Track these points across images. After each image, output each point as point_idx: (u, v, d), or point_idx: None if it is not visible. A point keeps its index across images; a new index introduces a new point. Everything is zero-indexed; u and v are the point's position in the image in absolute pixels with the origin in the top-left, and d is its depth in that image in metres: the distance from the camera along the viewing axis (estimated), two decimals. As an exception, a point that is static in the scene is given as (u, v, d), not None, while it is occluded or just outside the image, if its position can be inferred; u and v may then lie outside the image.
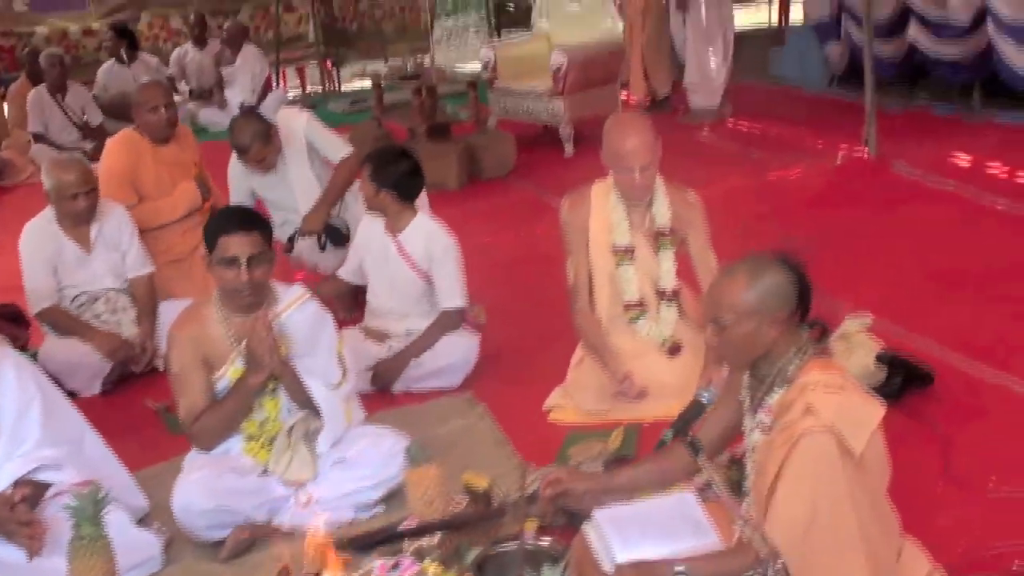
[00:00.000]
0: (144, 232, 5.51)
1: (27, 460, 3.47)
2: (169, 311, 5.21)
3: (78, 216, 5.14)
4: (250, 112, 5.79)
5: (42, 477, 3.47)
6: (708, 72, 9.34)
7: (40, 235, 5.18)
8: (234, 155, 5.69)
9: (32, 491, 3.39)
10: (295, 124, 5.77)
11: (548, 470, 3.67)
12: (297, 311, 3.87)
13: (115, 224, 5.30)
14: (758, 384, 2.95)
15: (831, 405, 2.70)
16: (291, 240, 5.77)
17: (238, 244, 3.64)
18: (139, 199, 5.66)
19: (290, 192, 5.76)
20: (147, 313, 5.35)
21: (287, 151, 5.72)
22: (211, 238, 3.69)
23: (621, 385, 4.30)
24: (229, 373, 3.78)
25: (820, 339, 2.95)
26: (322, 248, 5.72)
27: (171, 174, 5.81)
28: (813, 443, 2.70)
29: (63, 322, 5.18)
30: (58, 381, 4.65)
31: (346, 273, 5.15)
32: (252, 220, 3.77)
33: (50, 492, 3.48)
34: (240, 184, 5.80)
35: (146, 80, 5.94)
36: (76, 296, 5.25)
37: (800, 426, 2.71)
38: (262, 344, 3.64)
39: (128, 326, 5.28)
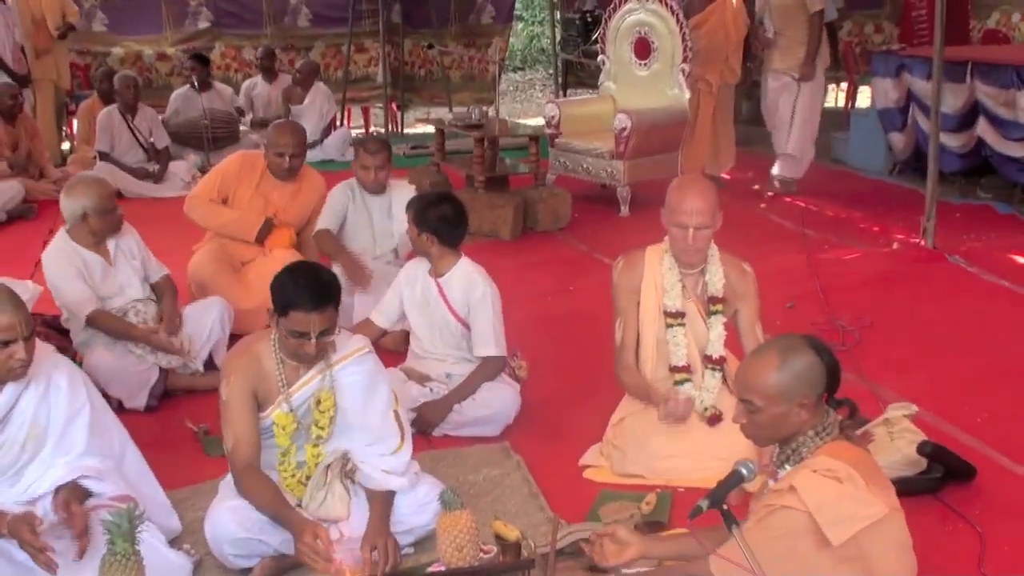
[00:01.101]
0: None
1: (72, 468, 3.53)
2: (196, 312, 5.56)
3: (112, 228, 5.27)
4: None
5: (84, 483, 3.53)
6: (808, 144, 9.42)
7: (63, 255, 5.22)
8: (338, 186, 6.24)
9: (67, 495, 3.43)
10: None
11: (581, 526, 3.68)
12: (354, 363, 3.84)
13: (129, 237, 5.43)
14: (778, 457, 2.99)
15: (819, 492, 2.72)
16: None
17: (311, 322, 3.61)
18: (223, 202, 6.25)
19: (386, 222, 6.19)
20: (169, 300, 5.50)
21: (398, 184, 6.35)
22: (282, 305, 3.65)
23: (667, 407, 4.26)
24: (274, 416, 3.77)
25: (849, 417, 2.96)
26: None
27: (265, 201, 6.20)
28: (788, 517, 2.73)
29: (113, 325, 5.24)
30: (105, 392, 4.73)
31: (380, 316, 5.10)
32: (327, 296, 3.66)
33: (88, 502, 3.52)
34: (338, 206, 6.20)
35: (285, 125, 6.41)
36: None
37: (783, 499, 2.74)
38: (308, 558, 3.46)
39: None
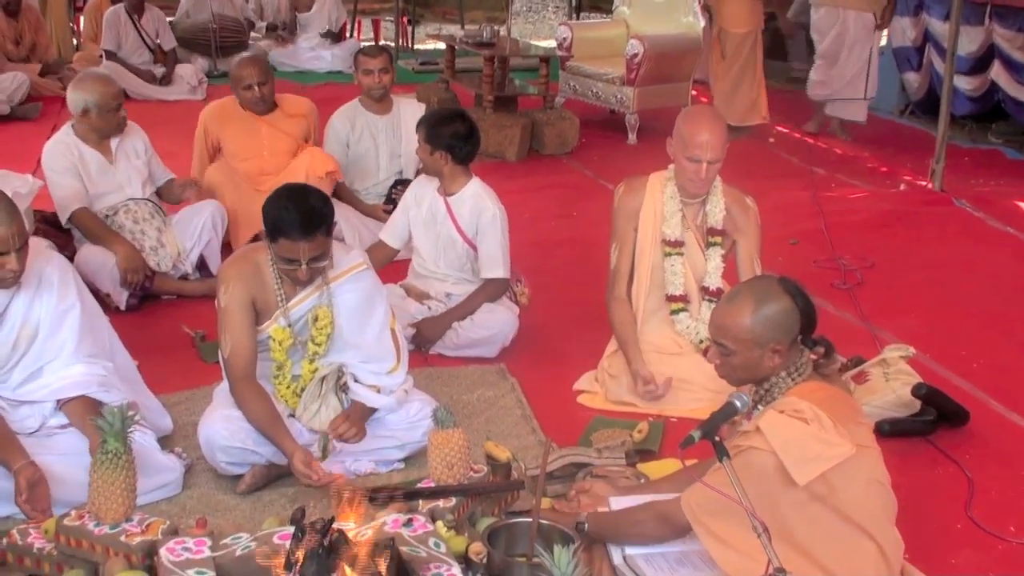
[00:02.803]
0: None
1: (77, 382, 3.53)
2: (188, 215, 5.58)
3: (114, 128, 5.28)
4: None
5: (93, 395, 3.54)
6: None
7: (62, 148, 5.27)
8: (336, 115, 6.19)
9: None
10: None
11: (572, 450, 3.70)
12: (351, 280, 3.81)
13: (136, 136, 5.48)
14: (752, 399, 3.00)
15: (783, 432, 2.73)
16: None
17: (299, 250, 3.57)
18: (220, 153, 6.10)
19: (393, 142, 6.16)
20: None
21: (406, 102, 6.36)
22: (271, 231, 3.61)
23: (645, 387, 4.27)
24: (270, 330, 3.76)
25: (824, 357, 2.96)
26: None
27: (267, 135, 6.02)
28: (756, 458, 2.74)
29: (93, 227, 5.25)
30: (93, 286, 4.73)
31: (390, 236, 5.07)
32: (316, 223, 3.58)
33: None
34: (337, 138, 6.16)
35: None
36: (98, 211, 5.33)
37: (750, 440, 2.76)
38: (303, 477, 3.51)
39: (152, 234, 5.36)
